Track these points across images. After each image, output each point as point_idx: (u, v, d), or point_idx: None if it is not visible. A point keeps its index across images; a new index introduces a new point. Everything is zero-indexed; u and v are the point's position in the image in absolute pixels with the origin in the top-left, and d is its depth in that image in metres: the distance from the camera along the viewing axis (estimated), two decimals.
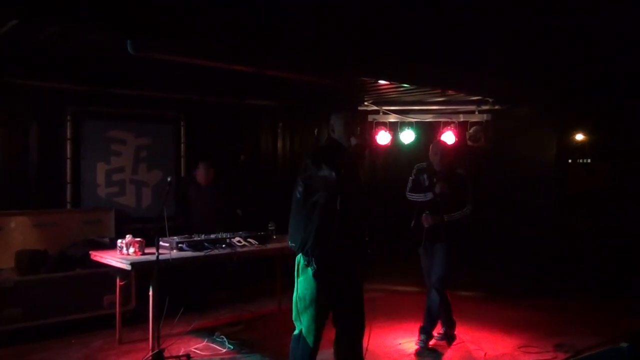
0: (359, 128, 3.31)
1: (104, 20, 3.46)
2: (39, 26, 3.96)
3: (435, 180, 4.77)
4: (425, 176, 4.84)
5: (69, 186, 5.86)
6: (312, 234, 3.25)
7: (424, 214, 4.77)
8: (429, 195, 4.76)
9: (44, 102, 5.70)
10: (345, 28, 4.51)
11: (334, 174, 3.09)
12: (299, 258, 3.36)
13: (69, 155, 5.86)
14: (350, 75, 5.66)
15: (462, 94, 6.69)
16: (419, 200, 4.83)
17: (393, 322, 5.44)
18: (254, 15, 3.97)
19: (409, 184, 4.94)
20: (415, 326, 4.89)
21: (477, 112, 7.08)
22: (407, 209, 5.00)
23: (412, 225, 4.91)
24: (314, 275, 3.27)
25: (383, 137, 7.42)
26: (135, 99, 6.21)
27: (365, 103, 7.49)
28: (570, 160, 8.30)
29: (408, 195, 4.92)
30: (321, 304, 3.31)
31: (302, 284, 3.34)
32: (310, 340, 3.32)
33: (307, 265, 3.31)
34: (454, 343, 4.90)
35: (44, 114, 5.74)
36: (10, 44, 4.44)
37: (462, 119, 7.14)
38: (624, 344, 3.57)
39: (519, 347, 4.83)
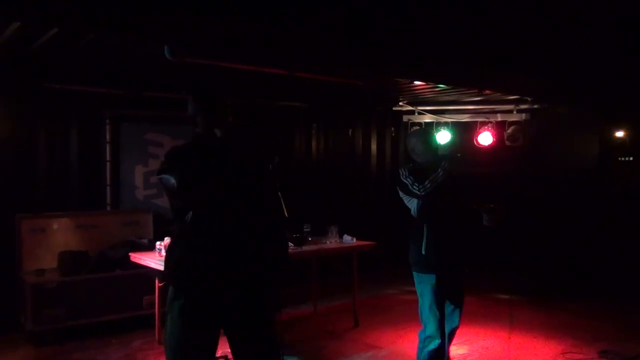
0: (225, 115, 2.62)
1: (141, 28, 3.51)
2: (79, 33, 4.06)
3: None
4: (412, 178, 3.67)
5: (108, 188, 6.00)
6: (175, 256, 2.56)
7: (488, 209, 3.68)
8: (439, 177, 3.58)
9: (83, 106, 5.85)
10: (379, 30, 4.48)
11: (173, 180, 2.43)
12: (170, 289, 2.58)
13: (108, 158, 5.99)
14: (385, 76, 5.62)
15: (499, 94, 6.57)
16: (430, 189, 3.57)
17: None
18: (286, 18, 3.97)
19: (408, 185, 3.66)
20: None
21: (515, 112, 6.96)
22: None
23: (424, 248, 3.65)
24: (181, 312, 2.49)
25: None
26: (171, 102, 6.28)
27: (400, 103, 7.44)
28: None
29: (408, 199, 3.74)
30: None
31: (168, 324, 2.54)
32: None
33: (175, 299, 2.52)
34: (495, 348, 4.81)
35: (84, 117, 5.89)
36: (51, 51, 4.56)
37: (499, 119, 7.03)
38: None
39: (561, 353, 4.72)
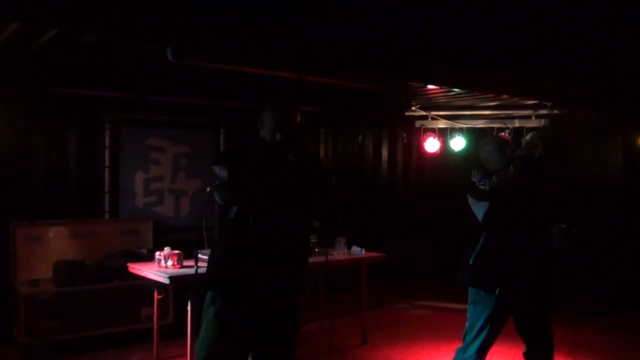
0: (289, 124, 2.87)
1: (143, 29, 3.55)
2: (79, 35, 4.11)
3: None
4: (480, 175, 3.60)
5: (107, 195, 6.02)
6: (215, 257, 2.84)
7: (556, 229, 3.46)
8: (510, 174, 3.42)
9: (82, 110, 5.89)
10: (390, 31, 4.50)
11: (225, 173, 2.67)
12: (208, 294, 2.81)
13: (107, 164, 6.02)
14: (397, 80, 5.63)
15: (517, 98, 6.56)
16: (496, 184, 3.42)
17: (444, 344, 5.37)
18: (295, 19, 4.00)
19: (476, 182, 3.58)
20: None
21: (534, 117, 6.93)
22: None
23: (473, 258, 3.49)
24: (217, 317, 2.69)
25: (432, 145, 7.36)
26: (174, 106, 6.34)
27: (413, 108, 7.45)
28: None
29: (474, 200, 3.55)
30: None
31: (203, 329, 2.74)
32: None
33: (211, 303, 2.75)
34: None
35: (83, 122, 5.94)
36: (49, 53, 4.62)
37: (517, 125, 7.00)
38: None
39: None
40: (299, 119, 2.96)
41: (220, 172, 2.72)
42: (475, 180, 3.55)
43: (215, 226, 2.86)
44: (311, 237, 4.92)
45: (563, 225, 3.47)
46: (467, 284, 3.52)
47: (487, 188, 3.45)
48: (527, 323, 3.56)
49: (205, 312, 2.76)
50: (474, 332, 3.47)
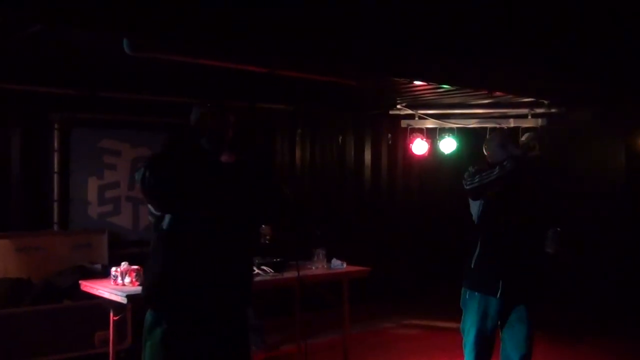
0: (214, 126, 2.84)
1: (96, 17, 3.49)
2: (22, 24, 4.04)
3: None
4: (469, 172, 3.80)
5: (56, 205, 5.94)
6: (151, 273, 2.83)
7: (551, 232, 3.62)
8: (492, 175, 3.58)
9: (27, 108, 5.80)
10: (373, 20, 4.50)
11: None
12: (148, 313, 2.80)
13: (56, 169, 5.95)
14: (380, 75, 5.64)
15: (511, 95, 6.61)
16: (476, 185, 3.62)
17: None
18: (266, 8, 3.98)
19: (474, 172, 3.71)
20: None
21: (530, 116, 7.00)
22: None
23: (474, 262, 3.75)
24: (164, 340, 2.68)
25: (419, 146, 7.38)
26: (131, 104, 6.28)
27: (398, 106, 7.47)
28: None
29: (470, 184, 3.69)
30: None
31: (148, 353, 2.74)
32: None
33: (155, 325, 2.73)
34: None
35: (28, 122, 5.85)
36: None
37: (512, 125, 7.06)
38: None
39: None
40: (232, 118, 2.89)
41: (137, 177, 2.67)
42: (465, 175, 3.72)
43: (152, 238, 2.85)
44: (266, 239, 4.86)
45: (558, 229, 3.64)
46: (471, 288, 3.74)
47: (467, 188, 3.66)
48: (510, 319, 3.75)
49: (148, 333, 2.75)
50: (465, 331, 3.77)
